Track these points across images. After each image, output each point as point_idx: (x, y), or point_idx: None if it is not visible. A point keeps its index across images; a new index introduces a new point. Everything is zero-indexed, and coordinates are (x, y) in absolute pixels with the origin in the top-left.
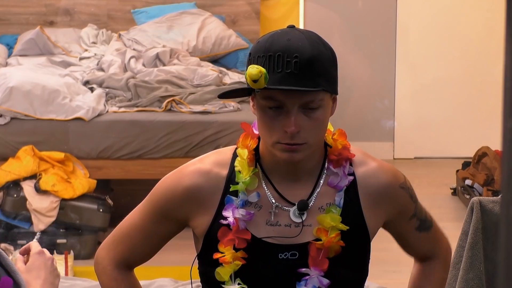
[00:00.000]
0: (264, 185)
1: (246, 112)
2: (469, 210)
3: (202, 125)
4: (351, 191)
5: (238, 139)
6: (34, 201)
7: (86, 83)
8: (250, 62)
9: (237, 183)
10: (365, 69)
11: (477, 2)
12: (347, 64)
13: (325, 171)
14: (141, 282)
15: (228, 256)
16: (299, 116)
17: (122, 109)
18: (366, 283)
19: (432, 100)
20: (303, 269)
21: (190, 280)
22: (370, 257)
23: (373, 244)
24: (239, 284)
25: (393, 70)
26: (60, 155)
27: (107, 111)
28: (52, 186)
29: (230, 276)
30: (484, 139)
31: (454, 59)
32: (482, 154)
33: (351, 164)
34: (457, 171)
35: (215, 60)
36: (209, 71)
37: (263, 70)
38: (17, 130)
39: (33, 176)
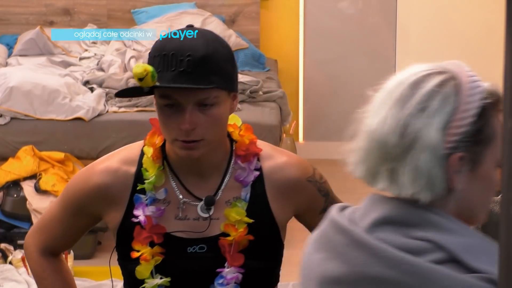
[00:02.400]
0: (171, 181)
1: (246, 112)
2: None
3: None
4: (258, 185)
5: (146, 136)
6: (34, 201)
7: (86, 83)
8: (148, 62)
9: (145, 181)
10: (365, 69)
11: (477, 2)
12: (347, 64)
13: (232, 166)
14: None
15: (146, 254)
16: (194, 114)
17: (122, 109)
18: None
19: None
20: (221, 269)
21: (109, 271)
22: None
23: None
24: (161, 278)
25: (393, 70)
26: (60, 155)
27: (107, 111)
28: (52, 186)
29: (151, 272)
30: None
31: (454, 59)
32: None
33: (258, 159)
34: None
35: None
36: None
37: (149, 68)
38: (17, 130)
39: (33, 176)
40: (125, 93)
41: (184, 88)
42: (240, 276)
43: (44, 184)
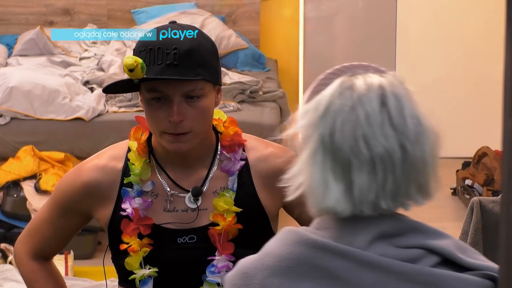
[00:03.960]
0: (158, 174)
1: (246, 112)
2: (469, 210)
3: None
4: (244, 175)
5: (130, 132)
6: (34, 201)
7: (86, 83)
8: None
9: (130, 174)
10: None
11: (477, 2)
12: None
13: (218, 157)
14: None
15: (135, 245)
16: (181, 106)
17: (122, 109)
18: None
19: (432, 100)
20: (212, 257)
21: (103, 270)
22: None
23: None
24: (149, 268)
25: (393, 70)
26: (60, 155)
27: (107, 111)
28: (52, 186)
29: (140, 263)
30: (484, 139)
31: (454, 59)
32: (482, 154)
33: (244, 150)
34: (457, 171)
35: None
36: None
37: (139, 60)
38: (17, 130)
39: (33, 176)
40: (113, 87)
41: (172, 80)
42: (231, 264)
43: (44, 184)
